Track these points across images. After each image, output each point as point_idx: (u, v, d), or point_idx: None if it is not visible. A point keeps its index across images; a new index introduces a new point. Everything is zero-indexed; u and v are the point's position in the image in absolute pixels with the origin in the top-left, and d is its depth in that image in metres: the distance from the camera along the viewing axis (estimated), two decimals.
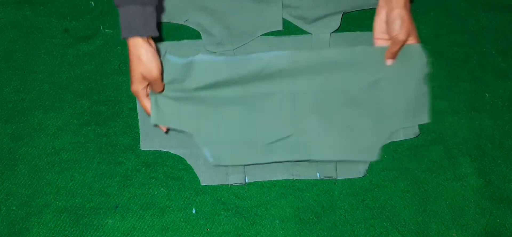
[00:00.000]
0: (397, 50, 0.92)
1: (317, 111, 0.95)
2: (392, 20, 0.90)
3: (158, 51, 0.88)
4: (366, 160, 0.95)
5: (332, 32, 1.03)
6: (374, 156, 0.94)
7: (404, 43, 0.91)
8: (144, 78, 0.86)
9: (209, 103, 0.93)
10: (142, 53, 0.84)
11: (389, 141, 0.97)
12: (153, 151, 0.96)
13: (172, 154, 0.96)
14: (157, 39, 1.02)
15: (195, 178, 0.95)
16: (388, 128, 0.95)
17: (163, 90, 0.90)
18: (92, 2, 1.05)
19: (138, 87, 0.87)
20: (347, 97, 0.96)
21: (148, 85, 0.89)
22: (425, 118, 0.96)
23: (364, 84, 0.96)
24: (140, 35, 0.84)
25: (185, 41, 1.02)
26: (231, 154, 0.92)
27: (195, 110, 0.92)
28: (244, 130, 0.93)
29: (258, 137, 0.93)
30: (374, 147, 0.94)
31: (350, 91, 0.96)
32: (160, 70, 0.86)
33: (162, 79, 0.88)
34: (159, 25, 1.03)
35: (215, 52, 1.01)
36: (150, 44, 0.86)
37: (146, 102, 0.89)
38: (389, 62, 0.94)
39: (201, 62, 0.92)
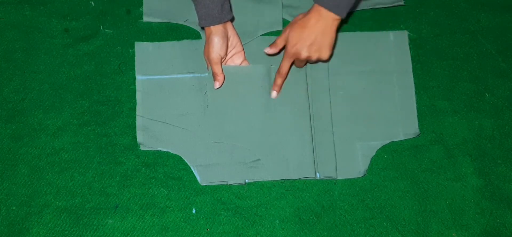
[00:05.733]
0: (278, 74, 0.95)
1: (302, 130, 0.96)
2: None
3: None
4: (353, 177, 0.95)
5: None
6: (361, 173, 0.95)
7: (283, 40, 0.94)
8: (219, 58, 0.94)
9: (195, 125, 0.96)
10: (214, 39, 0.92)
11: (389, 141, 0.97)
12: (153, 151, 0.96)
13: (172, 154, 0.96)
14: (160, 39, 1.02)
15: (195, 178, 0.95)
16: (375, 145, 0.96)
17: (221, 75, 0.95)
18: (92, 2, 1.05)
19: (217, 61, 0.94)
20: (332, 115, 0.97)
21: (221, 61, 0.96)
22: (415, 130, 0.97)
23: (349, 101, 0.98)
24: (219, 22, 0.91)
25: (185, 41, 1.02)
26: (217, 174, 0.94)
27: (182, 133, 0.96)
28: (229, 150, 0.95)
29: (244, 156, 0.95)
30: (360, 165, 0.95)
31: (334, 109, 0.98)
32: (221, 55, 0.94)
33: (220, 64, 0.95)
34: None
35: None
36: (225, 28, 0.93)
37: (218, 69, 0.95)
38: (273, 94, 0.97)
39: (183, 79, 0.98)
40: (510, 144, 0.98)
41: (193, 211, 0.93)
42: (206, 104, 0.97)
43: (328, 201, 0.94)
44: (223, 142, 0.95)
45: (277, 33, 1.03)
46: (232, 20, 0.97)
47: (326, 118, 0.97)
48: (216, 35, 0.92)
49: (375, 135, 0.97)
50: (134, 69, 1.00)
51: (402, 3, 1.06)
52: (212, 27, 0.92)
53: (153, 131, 0.96)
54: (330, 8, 0.86)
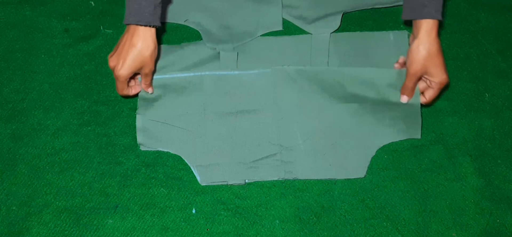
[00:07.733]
0: (410, 86, 0.92)
1: (302, 129, 0.95)
2: (409, 51, 0.90)
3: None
4: (353, 177, 0.95)
5: (332, 32, 1.03)
6: (361, 173, 0.94)
7: (415, 77, 0.91)
8: (136, 67, 0.88)
9: (195, 125, 0.96)
10: (142, 41, 0.85)
11: (389, 141, 0.97)
12: (153, 151, 0.96)
13: (172, 154, 0.96)
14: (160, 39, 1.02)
15: (195, 178, 0.95)
16: (375, 145, 0.96)
17: (150, 85, 0.94)
18: (92, 2, 1.05)
19: (126, 72, 0.87)
20: (333, 115, 0.97)
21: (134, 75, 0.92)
22: (417, 134, 0.96)
23: (350, 102, 0.97)
24: (147, 23, 0.85)
25: (185, 43, 1.02)
26: (218, 174, 0.94)
27: (182, 133, 0.96)
28: (229, 150, 0.95)
29: (243, 156, 0.95)
30: (360, 165, 0.95)
31: (335, 109, 0.97)
32: (154, 63, 0.89)
33: (152, 73, 0.93)
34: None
35: (215, 48, 1.01)
36: (152, 33, 0.87)
37: (127, 89, 0.93)
38: (403, 99, 0.95)
39: (183, 78, 0.97)
40: (510, 144, 0.98)
41: (193, 211, 0.93)
42: (204, 105, 0.97)
43: (328, 201, 0.94)
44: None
45: (277, 33, 1.03)
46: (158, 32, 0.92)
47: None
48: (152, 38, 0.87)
49: (375, 135, 0.97)
50: None
51: (402, 3, 1.05)
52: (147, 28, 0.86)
53: (153, 131, 0.96)
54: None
